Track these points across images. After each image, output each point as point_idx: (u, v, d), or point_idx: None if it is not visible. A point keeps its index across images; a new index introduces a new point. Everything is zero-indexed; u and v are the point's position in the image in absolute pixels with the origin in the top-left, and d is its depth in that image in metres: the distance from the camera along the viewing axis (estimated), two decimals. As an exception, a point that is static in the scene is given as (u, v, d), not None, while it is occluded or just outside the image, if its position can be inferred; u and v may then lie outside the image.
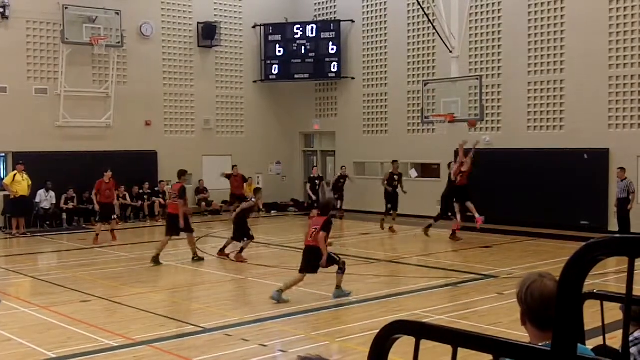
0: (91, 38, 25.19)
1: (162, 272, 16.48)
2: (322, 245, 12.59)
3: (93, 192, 21.56)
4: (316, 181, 26.35)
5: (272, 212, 28.64)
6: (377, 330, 1.85)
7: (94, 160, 25.04)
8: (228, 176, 27.07)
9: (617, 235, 1.48)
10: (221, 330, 10.88)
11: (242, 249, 17.23)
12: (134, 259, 17.98)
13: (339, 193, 26.13)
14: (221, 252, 17.63)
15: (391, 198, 22.36)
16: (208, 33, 28.17)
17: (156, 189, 26.67)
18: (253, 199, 17.76)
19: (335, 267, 13.05)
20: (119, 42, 26.00)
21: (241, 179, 26.83)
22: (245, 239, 17.28)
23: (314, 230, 12.79)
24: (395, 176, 22.55)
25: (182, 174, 17.81)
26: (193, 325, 11.18)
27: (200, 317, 11.72)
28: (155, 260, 16.79)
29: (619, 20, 21.26)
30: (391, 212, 22.32)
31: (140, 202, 26.22)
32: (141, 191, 26.33)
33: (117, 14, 25.82)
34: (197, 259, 17.37)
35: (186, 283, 14.99)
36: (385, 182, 22.45)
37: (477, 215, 19.79)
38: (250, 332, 10.78)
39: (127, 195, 25.87)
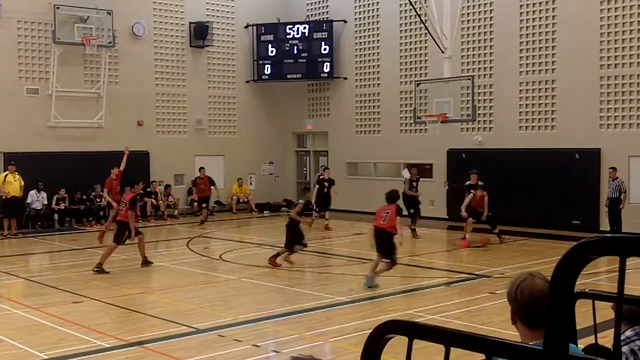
0: (83, 38, 25.12)
1: (154, 272, 16.45)
2: (399, 226, 13.86)
3: (105, 191, 21.56)
4: (325, 183, 23.78)
5: (265, 212, 28.61)
6: (370, 330, 1.86)
7: (86, 160, 25.01)
8: (194, 181, 26.92)
9: (609, 235, 1.48)
10: (214, 330, 10.87)
11: (277, 254, 16.38)
12: (126, 259, 17.92)
13: (323, 196, 23.61)
14: (272, 259, 16.47)
15: (412, 203, 21.82)
16: (200, 33, 28.13)
17: (148, 189, 26.58)
18: (301, 201, 17.32)
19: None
20: (110, 42, 25.94)
21: (208, 181, 26.00)
22: (297, 245, 16.42)
23: (384, 214, 13.90)
24: (414, 182, 22.10)
25: (136, 182, 16.78)
26: (186, 325, 11.16)
27: (193, 318, 11.71)
28: (99, 269, 15.91)
29: (610, 20, 21.34)
30: (414, 216, 21.79)
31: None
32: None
33: (109, 13, 25.75)
34: (146, 263, 16.82)
35: (179, 284, 14.97)
36: (406, 188, 21.83)
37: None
38: (244, 332, 10.78)
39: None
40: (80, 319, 11.67)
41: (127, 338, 10.48)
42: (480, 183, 19.60)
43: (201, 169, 26.28)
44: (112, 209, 20.58)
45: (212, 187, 26.16)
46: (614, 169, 20.30)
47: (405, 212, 22.17)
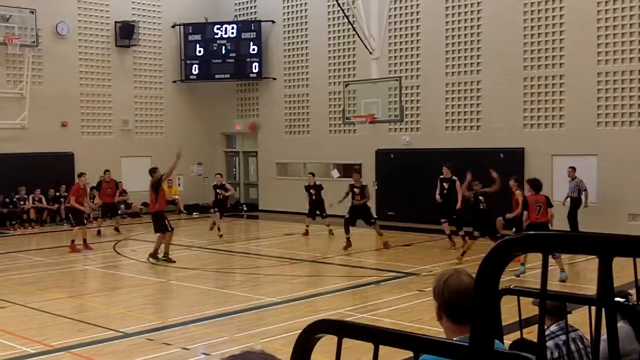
0: (5, 37, 24.48)
1: (80, 276, 16.14)
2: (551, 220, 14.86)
3: (72, 198, 19.56)
4: (311, 190, 21.95)
5: (194, 214, 28.34)
6: (300, 330, 1.86)
7: (9, 162, 24.36)
8: (97, 185, 24.82)
9: (532, 232, 1.52)
10: (142, 334, 10.73)
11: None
12: (51, 263, 17.54)
13: (313, 205, 22.12)
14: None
15: (361, 213, 21.38)
16: (126, 32, 27.70)
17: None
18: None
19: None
20: (33, 42, 25.34)
21: (114, 185, 24.01)
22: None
23: (537, 208, 14.35)
24: (444, 183, 21.51)
25: (153, 171, 18.38)
26: (113, 330, 10.98)
27: (121, 322, 11.52)
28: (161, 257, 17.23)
29: (533, 22, 21.87)
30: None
31: (56, 205, 25.52)
32: (58, 194, 25.62)
33: (32, 12, 25.15)
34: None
35: (106, 287, 14.71)
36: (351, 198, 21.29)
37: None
38: (173, 335, 10.66)
39: (43, 198, 25.21)
40: (4, 324, 11.37)
41: (53, 343, 10.25)
42: (454, 178, 19.19)
43: (106, 171, 23.82)
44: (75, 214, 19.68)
45: (119, 192, 24.82)
46: (572, 168, 20.10)
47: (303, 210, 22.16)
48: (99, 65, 27.54)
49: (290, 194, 27.29)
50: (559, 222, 20.10)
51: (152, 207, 17.86)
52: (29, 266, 17.39)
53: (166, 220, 17.45)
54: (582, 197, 20.06)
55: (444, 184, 19.09)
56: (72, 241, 19.18)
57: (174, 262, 17.09)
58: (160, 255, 17.21)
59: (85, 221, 20.01)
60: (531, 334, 3.94)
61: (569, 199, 20.20)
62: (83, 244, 19.47)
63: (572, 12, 21.10)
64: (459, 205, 18.49)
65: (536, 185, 14.74)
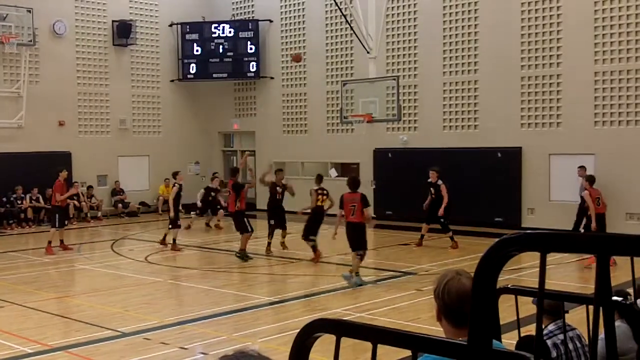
0: (2, 36, 24.44)
1: (77, 276, 16.13)
2: (368, 219, 13.76)
3: (58, 194, 18.86)
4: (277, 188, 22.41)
5: (192, 213, 28.28)
6: (298, 330, 1.86)
7: (6, 162, 24.33)
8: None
9: (529, 231, 1.52)
10: (140, 334, 10.72)
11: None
12: (48, 262, 17.53)
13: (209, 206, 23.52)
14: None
15: None
16: (123, 31, 27.67)
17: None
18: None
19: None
20: (30, 41, 25.30)
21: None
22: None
23: (352, 207, 13.64)
24: (431, 188, 21.35)
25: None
26: (111, 329, 10.97)
27: (118, 321, 11.51)
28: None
29: (530, 21, 21.88)
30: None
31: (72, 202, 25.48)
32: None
33: (29, 11, 25.10)
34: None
35: (103, 287, 14.70)
36: None
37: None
38: (170, 335, 10.66)
39: (40, 197, 25.18)
40: (1, 324, 11.36)
41: (50, 343, 10.24)
42: (439, 182, 19.22)
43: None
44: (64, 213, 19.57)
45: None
46: (582, 167, 19.67)
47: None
48: (96, 65, 27.50)
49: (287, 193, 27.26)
50: (545, 221, 20.19)
51: (232, 208, 18.01)
52: (26, 265, 17.37)
53: (246, 220, 17.62)
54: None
55: (431, 188, 19.17)
56: (49, 242, 18.81)
57: (250, 259, 17.30)
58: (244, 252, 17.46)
59: (66, 222, 19.86)
60: (528, 333, 3.94)
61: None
62: (60, 245, 19.07)
63: (569, 12, 21.11)
64: (440, 211, 18.52)
65: (592, 179, 16.26)
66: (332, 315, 11.22)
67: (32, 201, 25.01)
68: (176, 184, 19.31)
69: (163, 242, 19.60)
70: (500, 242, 1.53)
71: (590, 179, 16.36)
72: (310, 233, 16.97)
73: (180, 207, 19.71)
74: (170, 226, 19.10)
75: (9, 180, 24.15)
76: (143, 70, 28.94)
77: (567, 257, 15.78)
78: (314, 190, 17.54)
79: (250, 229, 17.60)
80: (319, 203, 17.24)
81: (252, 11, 29.54)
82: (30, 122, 25.37)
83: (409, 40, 24.69)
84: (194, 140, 30.17)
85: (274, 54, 28.68)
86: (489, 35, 22.68)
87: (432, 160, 23.46)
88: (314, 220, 17.05)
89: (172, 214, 18.95)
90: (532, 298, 3.59)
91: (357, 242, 14.10)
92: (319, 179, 18.09)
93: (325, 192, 17.54)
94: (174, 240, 19.00)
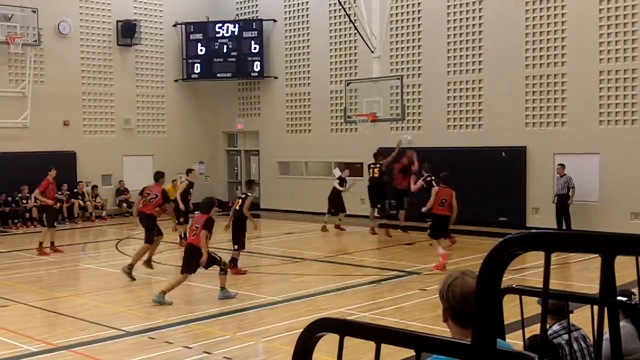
0: (7, 36, 24.48)
1: (82, 275, 16.14)
2: (202, 244, 12.56)
3: (38, 192, 18.75)
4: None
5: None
6: (302, 329, 1.86)
7: (11, 161, 24.36)
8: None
9: (534, 231, 1.51)
10: (144, 333, 10.73)
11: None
12: (53, 262, 17.55)
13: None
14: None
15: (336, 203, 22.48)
16: (127, 31, 27.71)
17: (75, 190, 26.07)
18: (249, 194, 16.16)
19: (217, 269, 13.01)
20: (35, 41, 25.34)
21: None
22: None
23: (195, 228, 12.90)
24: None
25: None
26: (115, 328, 10.98)
27: (123, 320, 11.53)
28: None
29: (535, 20, 21.84)
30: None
31: (59, 204, 25.48)
32: (60, 193, 25.57)
33: (34, 12, 25.15)
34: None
35: (107, 286, 14.71)
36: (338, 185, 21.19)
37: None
38: (175, 334, 10.67)
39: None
40: (6, 323, 11.37)
41: (55, 342, 10.26)
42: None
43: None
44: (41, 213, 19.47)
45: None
46: (562, 165, 20.42)
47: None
48: (100, 64, 27.53)
49: (291, 192, 27.31)
50: (549, 220, 20.17)
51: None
52: (30, 265, 17.40)
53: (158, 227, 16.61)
54: (570, 193, 20.25)
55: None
56: (40, 243, 18.62)
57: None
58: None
59: (56, 223, 19.55)
60: (533, 333, 3.93)
61: (556, 197, 20.43)
62: (50, 247, 18.79)
63: (573, 10, 21.07)
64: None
65: (445, 178, 16.57)
66: (334, 314, 11.22)
67: (37, 201, 25.00)
68: (186, 180, 19.36)
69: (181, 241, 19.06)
70: (504, 242, 1.52)
71: (444, 178, 16.86)
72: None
73: (190, 205, 19.58)
74: (180, 220, 19.32)
75: (14, 179, 24.18)
76: (147, 70, 28.97)
77: (572, 257, 15.75)
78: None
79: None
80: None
81: (256, 11, 29.55)
82: (35, 121, 25.42)
83: (413, 39, 24.66)
84: (198, 139, 30.20)
85: (278, 53, 28.69)
86: (493, 35, 22.65)
87: (436, 160, 23.47)
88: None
89: (182, 206, 19.12)
90: (536, 298, 3.58)
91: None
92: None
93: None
94: (181, 236, 19.04)
